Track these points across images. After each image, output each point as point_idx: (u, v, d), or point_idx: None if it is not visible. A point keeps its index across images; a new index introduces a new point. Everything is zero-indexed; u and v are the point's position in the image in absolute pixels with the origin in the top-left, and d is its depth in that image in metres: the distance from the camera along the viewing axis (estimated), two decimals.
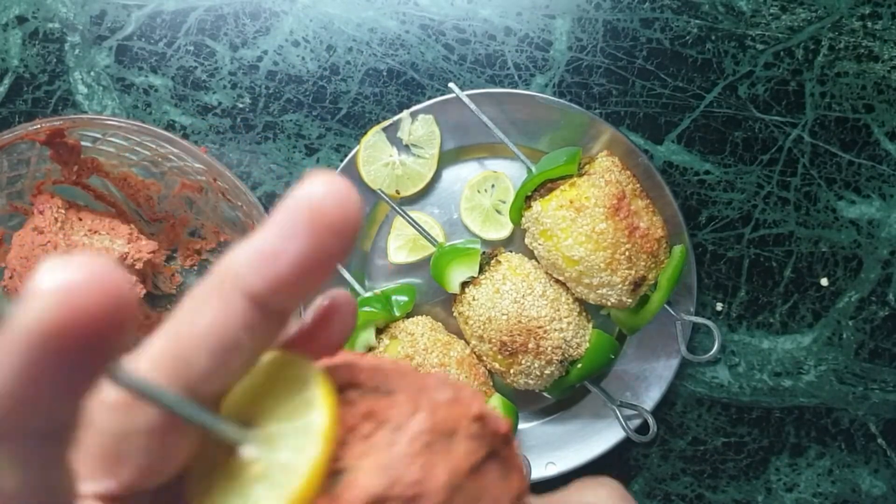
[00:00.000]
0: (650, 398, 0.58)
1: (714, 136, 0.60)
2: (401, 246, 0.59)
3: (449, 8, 0.60)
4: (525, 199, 0.55)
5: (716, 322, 0.59)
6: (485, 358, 0.55)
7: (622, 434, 0.57)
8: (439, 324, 0.57)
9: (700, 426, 0.60)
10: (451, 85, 0.56)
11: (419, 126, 0.58)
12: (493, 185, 0.59)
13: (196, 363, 0.16)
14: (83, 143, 0.54)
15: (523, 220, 0.55)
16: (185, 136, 0.60)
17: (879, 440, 0.60)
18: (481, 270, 0.54)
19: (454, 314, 0.56)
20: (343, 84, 0.60)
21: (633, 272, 0.52)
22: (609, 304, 0.53)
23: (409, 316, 0.57)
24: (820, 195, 0.59)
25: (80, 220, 0.54)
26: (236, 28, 0.60)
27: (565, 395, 0.57)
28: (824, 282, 0.60)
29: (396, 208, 0.55)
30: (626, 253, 0.52)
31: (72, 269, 0.13)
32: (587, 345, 0.54)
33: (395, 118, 0.58)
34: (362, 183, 0.58)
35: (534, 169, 0.55)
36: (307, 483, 0.17)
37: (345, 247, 0.16)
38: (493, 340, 0.53)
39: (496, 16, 0.60)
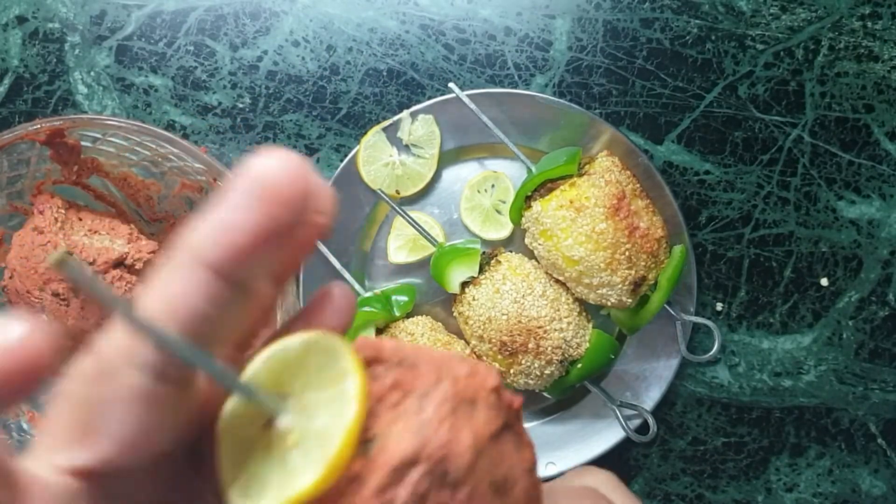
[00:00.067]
0: (650, 398, 0.58)
1: (714, 136, 0.60)
2: (401, 246, 0.59)
3: (449, 8, 0.60)
4: (525, 199, 0.55)
5: (716, 322, 0.59)
6: (485, 358, 0.55)
7: (622, 434, 0.57)
8: (439, 324, 0.57)
9: (700, 426, 0.60)
10: (451, 85, 0.56)
11: (419, 126, 0.58)
12: (493, 185, 0.59)
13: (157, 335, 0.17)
14: (83, 143, 0.54)
15: (523, 220, 0.55)
16: (185, 136, 0.60)
17: (879, 440, 0.60)
18: (481, 270, 0.54)
19: (454, 314, 0.56)
20: (343, 84, 0.60)
21: (633, 272, 0.52)
22: (609, 304, 0.53)
23: (409, 316, 0.57)
24: (820, 195, 0.59)
25: (80, 220, 0.54)
26: (236, 28, 0.60)
27: (565, 395, 0.57)
28: (824, 282, 0.60)
29: (396, 208, 0.55)
30: (626, 253, 0.52)
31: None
32: (587, 345, 0.54)
33: (395, 118, 0.58)
34: (362, 183, 0.58)
35: (534, 169, 0.55)
36: (344, 446, 0.18)
37: (299, 218, 0.17)
38: (493, 340, 0.53)
39: (496, 16, 0.60)
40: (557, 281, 0.55)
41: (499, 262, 0.55)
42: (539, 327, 0.52)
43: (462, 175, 0.59)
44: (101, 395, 0.17)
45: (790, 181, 0.60)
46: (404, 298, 0.56)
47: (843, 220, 0.59)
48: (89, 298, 0.17)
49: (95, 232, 0.54)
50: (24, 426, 0.54)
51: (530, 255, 0.56)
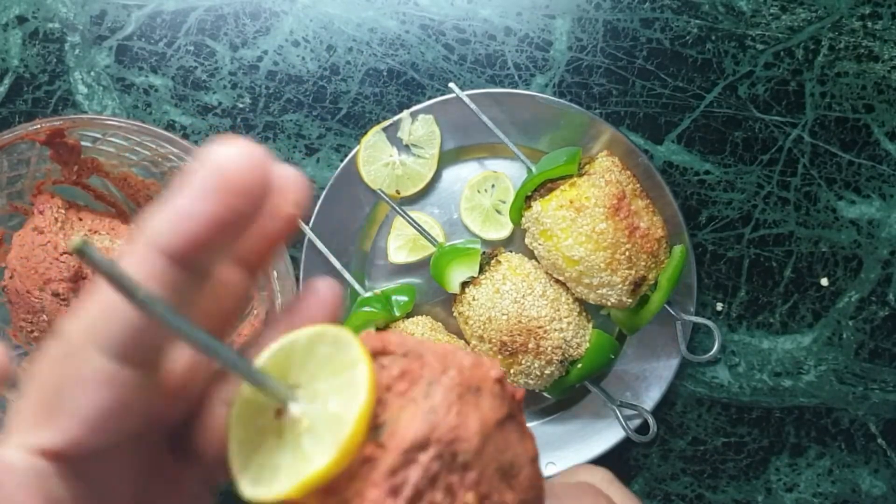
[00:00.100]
0: (650, 398, 0.58)
1: (714, 136, 0.60)
2: (401, 246, 0.59)
3: (449, 8, 0.60)
4: (525, 199, 0.55)
5: (716, 322, 0.59)
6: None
7: (622, 434, 0.57)
8: (439, 324, 0.57)
9: (700, 426, 0.60)
10: (451, 85, 0.56)
11: (419, 126, 0.58)
12: (493, 185, 0.59)
13: (118, 318, 0.17)
14: (83, 143, 0.54)
15: (523, 220, 0.55)
16: (185, 136, 0.60)
17: (879, 440, 0.60)
18: (481, 270, 0.54)
19: (454, 314, 0.56)
20: (343, 84, 0.60)
21: (633, 272, 0.52)
22: (609, 304, 0.53)
23: (409, 316, 0.57)
24: (820, 195, 0.59)
25: (80, 220, 0.54)
26: (236, 28, 0.60)
27: (565, 395, 0.57)
28: (824, 282, 0.60)
29: (396, 208, 0.55)
30: (626, 253, 0.52)
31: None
32: (587, 345, 0.54)
33: (395, 118, 0.58)
34: (362, 183, 0.58)
35: (534, 169, 0.55)
36: (356, 429, 0.19)
37: (256, 206, 0.17)
38: (493, 340, 0.53)
39: (496, 16, 0.60)
40: (557, 281, 0.55)
41: (499, 262, 0.55)
42: (539, 327, 0.52)
43: (462, 175, 0.59)
44: (66, 376, 0.17)
45: (790, 181, 0.60)
46: (404, 298, 0.56)
47: (843, 220, 0.59)
48: (109, 285, 0.17)
49: (95, 232, 0.54)
50: None
51: (530, 255, 0.56)
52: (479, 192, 0.59)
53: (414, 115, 0.58)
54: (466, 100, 0.55)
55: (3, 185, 0.54)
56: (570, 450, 0.58)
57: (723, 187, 0.60)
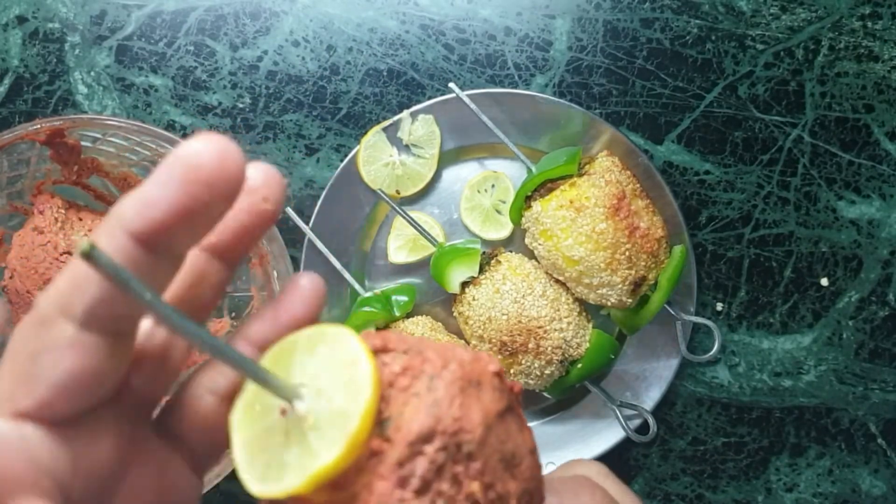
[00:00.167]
0: (650, 398, 0.58)
1: (714, 136, 0.60)
2: (401, 246, 0.59)
3: (449, 8, 0.60)
4: (525, 199, 0.55)
5: (716, 322, 0.59)
6: None
7: (622, 434, 0.57)
8: (439, 324, 0.57)
9: (700, 426, 0.60)
10: (451, 85, 0.56)
11: (419, 126, 0.58)
12: (493, 185, 0.59)
13: (87, 290, 0.18)
14: (83, 143, 0.54)
15: (523, 220, 0.55)
16: (185, 136, 0.60)
17: (879, 440, 0.60)
18: (481, 270, 0.54)
19: (454, 314, 0.56)
20: (343, 84, 0.60)
21: (633, 272, 0.52)
22: (609, 304, 0.53)
23: (409, 316, 0.57)
24: (820, 195, 0.59)
25: (80, 220, 0.54)
26: (236, 28, 0.60)
27: (565, 395, 0.57)
28: (824, 282, 0.60)
29: (396, 208, 0.55)
30: (627, 253, 0.52)
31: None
32: (587, 345, 0.54)
33: (395, 118, 0.58)
34: (362, 183, 0.58)
35: (534, 169, 0.55)
36: (362, 423, 0.19)
37: (222, 198, 0.19)
38: (493, 340, 0.53)
39: (496, 16, 0.60)
40: (557, 281, 0.55)
41: (499, 262, 0.55)
42: (539, 327, 0.52)
43: (462, 175, 0.59)
44: (38, 345, 0.19)
45: (790, 181, 0.60)
46: (404, 298, 0.56)
47: (843, 220, 0.59)
48: (117, 288, 0.18)
49: None
50: None
51: (530, 255, 0.56)
52: (479, 192, 0.59)
53: (414, 115, 0.58)
54: (466, 100, 0.55)
55: (3, 185, 0.54)
56: (570, 450, 0.58)
57: (723, 187, 0.60)
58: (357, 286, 0.57)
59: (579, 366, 0.54)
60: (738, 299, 0.60)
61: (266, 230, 0.22)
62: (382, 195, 0.56)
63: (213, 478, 0.50)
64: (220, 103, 0.60)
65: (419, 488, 0.19)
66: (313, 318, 0.23)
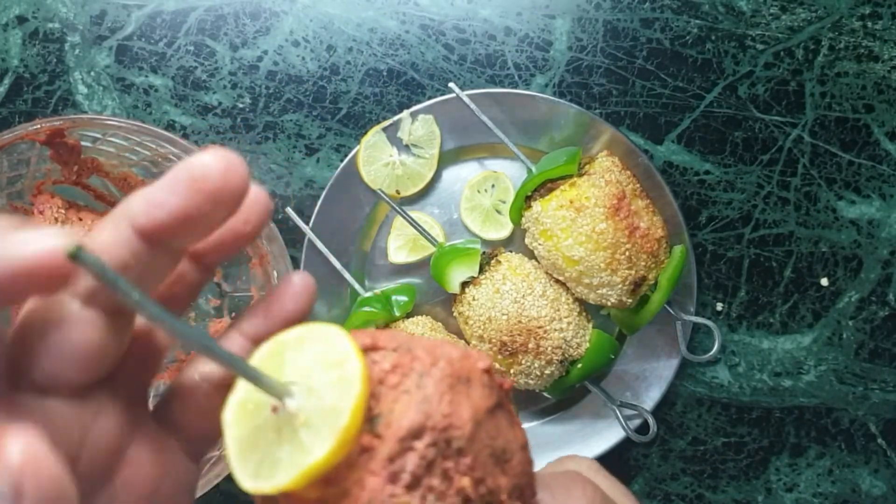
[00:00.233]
0: (650, 398, 0.58)
1: (714, 136, 0.60)
2: (401, 246, 0.59)
3: (449, 8, 0.60)
4: (525, 199, 0.55)
5: (716, 322, 0.59)
6: None
7: (622, 434, 0.57)
8: (439, 324, 0.57)
9: (700, 426, 0.60)
10: (451, 85, 0.56)
11: (419, 126, 0.58)
12: (493, 185, 0.59)
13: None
14: (83, 143, 0.54)
15: (523, 220, 0.55)
16: (185, 136, 0.60)
17: (879, 440, 0.60)
18: (481, 270, 0.54)
19: (454, 314, 0.56)
20: (343, 84, 0.60)
21: (633, 272, 0.52)
22: (609, 304, 0.53)
23: (409, 316, 0.57)
24: (820, 195, 0.59)
25: (80, 220, 0.54)
26: (236, 28, 0.60)
27: (565, 395, 0.57)
28: (824, 282, 0.60)
29: (396, 208, 0.55)
30: (627, 253, 0.52)
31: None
32: (587, 345, 0.54)
33: (395, 118, 0.58)
34: (362, 183, 0.58)
35: (534, 169, 0.55)
36: (352, 419, 0.19)
37: (222, 209, 0.20)
38: (494, 340, 0.53)
39: (496, 16, 0.60)
40: (557, 281, 0.55)
41: (499, 262, 0.55)
42: (539, 327, 0.52)
43: (462, 175, 0.59)
44: (44, 320, 0.20)
45: (790, 181, 0.60)
46: (404, 298, 0.56)
47: (843, 220, 0.59)
48: (104, 287, 0.19)
49: None
50: None
51: (530, 255, 0.56)
52: (479, 192, 0.59)
53: (414, 115, 0.58)
54: (466, 100, 0.55)
55: (3, 185, 0.54)
56: (570, 450, 0.58)
57: (723, 187, 0.60)
58: (357, 286, 0.57)
59: (579, 366, 0.54)
60: (738, 299, 0.60)
61: (243, 247, 0.24)
62: (382, 195, 0.56)
63: (213, 478, 0.50)
64: (220, 103, 0.60)
65: (410, 483, 0.19)
66: (304, 314, 0.24)
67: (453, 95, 0.56)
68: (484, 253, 0.55)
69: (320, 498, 0.20)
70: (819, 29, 0.59)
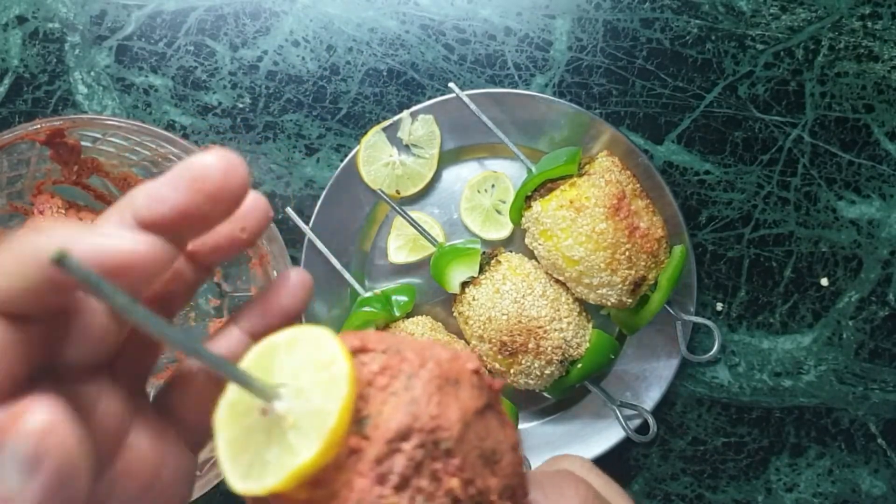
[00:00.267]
0: (650, 398, 0.58)
1: (714, 136, 0.60)
2: (401, 246, 0.59)
3: (449, 8, 0.60)
4: (525, 199, 0.54)
5: (716, 322, 0.59)
6: (485, 358, 0.55)
7: (622, 434, 0.57)
8: (439, 324, 0.57)
9: (700, 426, 0.60)
10: (451, 85, 0.56)
11: (419, 126, 0.58)
12: (493, 185, 0.59)
13: None
14: (83, 143, 0.54)
15: (523, 220, 0.55)
16: (185, 136, 0.60)
17: (879, 440, 0.60)
18: (481, 270, 0.54)
19: (454, 314, 0.56)
20: (343, 84, 0.60)
21: (633, 272, 0.52)
22: (609, 304, 0.53)
23: (409, 316, 0.57)
24: (820, 195, 0.59)
25: (80, 220, 0.54)
26: (236, 28, 0.60)
27: (565, 395, 0.57)
28: (824, 282, 0.60)
29: (396, 208, 0.55)
30: (626, 253, 0.52)
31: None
32: (587, 345, 0.54)
33: (395, 118, 0.58)
34: (362, 183, 0.58)
35: (534, 169, 0.55)
36: (340, 421, 0.19)
37: (221, 208, 0.21)
38: (493, 340, 0.53)
39: (496, 16, 0.60)
40: (557, 281, 0.55)
41: (499, 262, 0.55)
42: (539, 327, 0.52)
43: (462, 175, 0.59)
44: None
45: (790, 181, 0.60)
46: (404, 298, 0.56)
47: (843, 220, 0.59)
48: (90, 293, 0.19)
49: None
50: None
51: (530, 255, 0.56)
52: (479, 192, 0.59)
53: (414, 115, 0.58)
54: (466, 100, 0.55)
55: (3, 185, 0.54)
56: (570, 450, 0.58)
57: (723, 187, 0.60)
58: (357, 286, 0.56)
59: (579, 366, 0.54)
60: (738, 299, 0.60)
61: (239, 252, 0.24)
62: (382, 195, 0.56)
63: (213, 478, 0.50)
64: (220, 103, 0.60)
65: (398, 485, 0.19)
66: (301, 310, 0.25)
67: (453, 95, 0.56)
68: (484, 253, 0.55)
69: (309, 499, 0.20)
70: (819, 29, 0.59)
